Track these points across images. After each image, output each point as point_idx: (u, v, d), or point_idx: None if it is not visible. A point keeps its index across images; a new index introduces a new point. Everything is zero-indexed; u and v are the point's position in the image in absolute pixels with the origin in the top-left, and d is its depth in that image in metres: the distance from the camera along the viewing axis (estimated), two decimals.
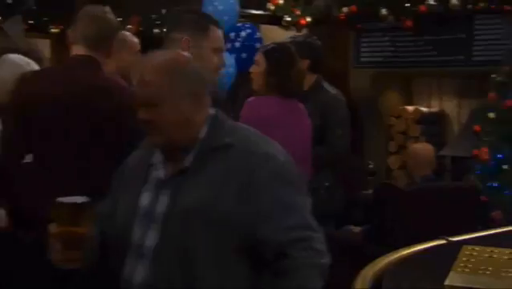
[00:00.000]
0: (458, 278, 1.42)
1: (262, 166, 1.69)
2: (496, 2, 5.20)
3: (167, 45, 2.32)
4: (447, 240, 1.85)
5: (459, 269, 1.45)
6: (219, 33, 2.30)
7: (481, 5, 5.29)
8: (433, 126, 6.08)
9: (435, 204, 3.75)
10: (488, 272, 1.43)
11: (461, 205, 3.82)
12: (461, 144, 5.43)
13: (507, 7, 5.04)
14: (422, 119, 6.02)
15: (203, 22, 2.28)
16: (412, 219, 3.75)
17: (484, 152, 4.46)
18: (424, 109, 6.11)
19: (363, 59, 6.26)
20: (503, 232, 2.00)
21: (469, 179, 4.58)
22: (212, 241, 1.66)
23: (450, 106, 6.15)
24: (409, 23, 5.71)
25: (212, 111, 1.80)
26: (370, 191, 4.75)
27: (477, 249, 1.62)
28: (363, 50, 6.27)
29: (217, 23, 2.32)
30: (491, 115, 4.47)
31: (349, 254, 3.71)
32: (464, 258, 1.53)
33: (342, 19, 6.01)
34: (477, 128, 4.67)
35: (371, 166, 5.56)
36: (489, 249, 1.62)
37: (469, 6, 5.35)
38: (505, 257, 1.56)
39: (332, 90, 3.79)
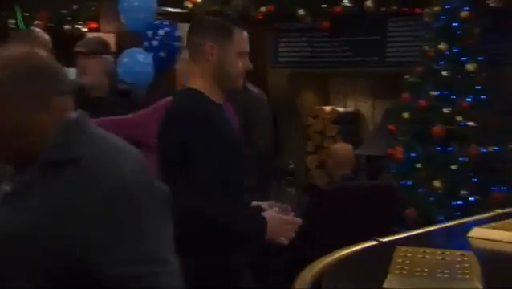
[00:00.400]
0: (396, 281, 1.42)
1: (101, 186, 1.39)
2: (408, 5, 5.36)
3: (189, 49, 2.24)
4: (378, 241, 1.86)
5: (396, 271, 1.45)
6: (244, 35, 2.21)
7: (394, 7, 5.44)
8: (349, 126, 6.20)
9: (355, 203, 3.81)
10: (425, 274, 1.44)
11: (379, 204, 3.90)
12: (376, 143, 5.57)
13: (418, 10, 5.20)
14: (338, 119, 6.12)
15: (227, 26, 2.18)
16: (333, 218, 3.80)
17: (398, 151, 4.58)
18: (340, 109, 6.22)
19: (281, 59, 6.31)
20: (429, 231, 2.03)
21: (385, 178, 4.69)
22: (31, 273, 1.40)
23: (365, 106, 6.29)
24: (326, 24, 5.80)
25: (73, 115, 1.50)
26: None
27: (410, 250, 1.62)
28: (280, 50, 6.32)
29: (240, 25, 2.23)
30: (405, 115, 4.60)
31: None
32: (399, 260, 1.53)
33: (260, 19, 6.03)
34: (391, 127, 4.80)
35: (291, 166, 5.60)
36: (421, 250, 1.62)
37: (383, 9, 5.48)
38: (438, 257, 1.57)
39: (255, 89, 3.77)
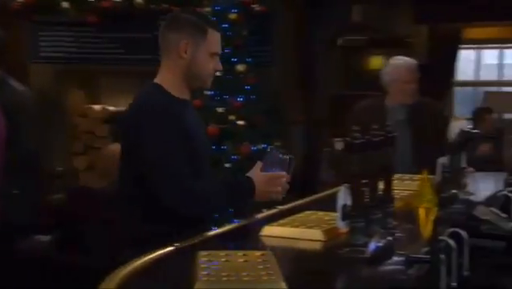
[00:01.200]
0: (206, 288, 1.36)
1: None
2: (179, 4, 5.36)
3: (162, 45, 2.18)
4: (176, 246, 1.79)
5: (204, 278, 1.39)
6: (217, 36, 2.19)
7: (165, 5, 5.40)
8: None
9: None
10: (232, 278, 1.40)
11: None
12: None
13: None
14: (110, 118, 5.92)
15: (203, 25, 2.15)
16: (109, 222, 3.63)
17: None
18: (111, 108, 6.01)
19: (43, 54, 5.90)
20: (223, 232, 2.01)
21: None
22: None
23: None
24: (93, 19, 5.55)
25: None
26: (60, 195, 4.47)
27: (212, 254, 1.58)
28: (43, 44, 5.91)
29: (216, 26, 2.21)
30: None
31: (38, 266, 3.45)
32: (203, 266, 1.48)
33: (17, 9, 5.57)
34: None
35: (60, 168, 5.27)
36: (222, 253, 1.59)
37: (153, 6, 5.42)
38: (240, 259, 1.55)
39: (19, 86, 3.45)
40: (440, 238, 1.90)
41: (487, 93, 7.71)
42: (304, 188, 3.08)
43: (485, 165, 3.45)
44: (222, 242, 1.90)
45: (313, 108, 5.92)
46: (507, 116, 7.52)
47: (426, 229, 2.27)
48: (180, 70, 2.17)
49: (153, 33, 5.46)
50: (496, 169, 3.76)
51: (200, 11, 2.32)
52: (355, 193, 1.69)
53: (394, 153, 1.90)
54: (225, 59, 4.53)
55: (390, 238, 1.48)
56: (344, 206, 1.73)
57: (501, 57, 8.14)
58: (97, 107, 6.00)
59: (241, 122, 4.49)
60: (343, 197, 1.74)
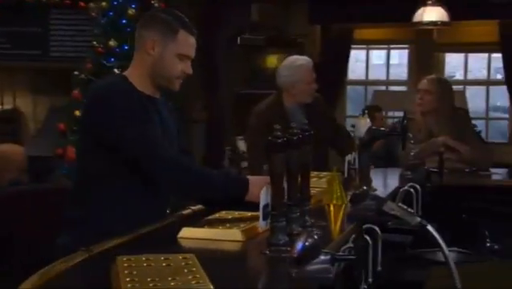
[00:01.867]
0: None
1: None
2: None
3: (136, 41, 2.20)
4: (89, 251, 1.69)
5: (129, 285, 1.32)
6: (189, 40, 2.17)
7: None
8: (8, 125, 5.72)
9: (29, 208, 3.49)
10: (158, 283, 1.34)
11: (57, 207, 3.64)
12: (41, 142, 5.25)
13: (82, 3, 5.05)
14: None
15: (174, 26, 2.15)
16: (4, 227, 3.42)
17: (70, 151, 4.38)
18: None
19: None
20: (138, 236, 1.93)
21: (57, 179, 4.43)
22: None
23: (25, 103, 5.88)
24: None
25: None
26: None
27: (132, 259, 1.51)
28: None
29: (191, 29, 2.19)
30: (77, 112, 4.41)
31: None
32: (126, 272, 1.41)
33: None
34: (61, 126, 4.56)
35: None
36: (143, 257, 1.53)
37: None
38: (163, 264, 1.49)
39: None
40: (355, 235, 1.94)
41: (376, 92, 8.03)
42: None
43: (377, 162, 3.58)
44: (140, 245, 1.82)
45: (214, 107, 5.90)
46: (397, 113, 7.88)
47: (336, 226, 2.32)
48: (147, 67, 2.17)
49: (43, 27, 5.30)
50: (386, 166, 3.92)
51: (179, 13, 2.27)
52: (277, 193, 1.68)
53: (311, 151, 1.91)
54: (124, 56, 4.48)
55: (316, 237, 1.48)
56: (266, 206, 1.71)
57: (387, 57, 8.50)
58: None
59: None
60: (265, 196, 1.72)
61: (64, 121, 4.53)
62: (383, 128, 2.35)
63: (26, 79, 5.84)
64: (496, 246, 3.08)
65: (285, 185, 1.70)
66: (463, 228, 3.17)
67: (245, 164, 4.49)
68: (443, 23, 5.91)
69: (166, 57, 2.14)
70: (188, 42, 2.17)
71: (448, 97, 3.86)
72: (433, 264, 2.54)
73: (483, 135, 7.69)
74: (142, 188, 2.15)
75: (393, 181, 3.32)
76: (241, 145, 4.51)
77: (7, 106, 5.82)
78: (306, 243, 1.44)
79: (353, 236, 1.82)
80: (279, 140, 1.66)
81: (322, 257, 1.45)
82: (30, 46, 5.31)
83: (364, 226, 1.91)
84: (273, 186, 1.69)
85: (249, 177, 2.19)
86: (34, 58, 5.33)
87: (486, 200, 3.31)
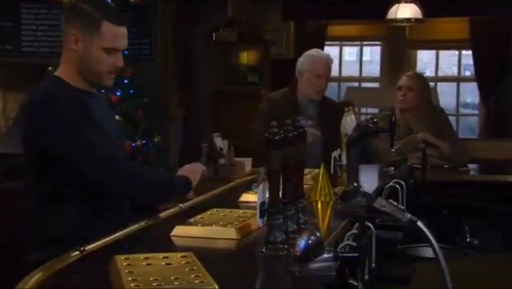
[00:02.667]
0: None
1: None
2: None
3: (62, 35, 2.06)
4: (82, 251, 1.66)
5: (132, 285, 1.30)
6: (115, 30, 2.00)
7: None
8: None
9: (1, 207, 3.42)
10: (162, 283, 1.32)
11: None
12: (11, 140, 5.13)
13: None
14: None
15: (96, 18, 1.98)
16: None
17: None
18: None
19: None
20: (130, 233, 1.90)
21: None
22: None
23: None
24: None
25: None
26: None
27: (130, 258, 1.48)
28: None
29: (116, 18, 2.02)
30: None
31: None
32: (126, 271, 1.38)
33: None
34: None
35: None
36: (141, 256, 1.50)
37: None
38: (163, 263, 1.47)
39: None
40: (351, 232, 1.94)
41: (349, 88, 8.07)
42: None
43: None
44: (132, 244, 1.79)
45: (192, 103, 5.85)
46: (370, 110, 7.93)
47: (324, 224, 2.31)
48: (74, 63, 2.04)
49: (15, 21, 5.17)
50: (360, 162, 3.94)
51: (104, 1, 2.16)
52: (274, 190, 1.67)
53: (305, 148, 1.90)
54: None
55: (318, 235, 1.47)
56: (263, 203, 1.70)
57: (360, 54, 8.55)
58: None
59: (118, 118, 4.32)
60: (262, 194, 1.71)
61: None
62: (371, 125, 2.35)
63: None
64: (476, 242, 3.12)
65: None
66: (444, 223, 3.20)
67: (222, 161, 4.46)
68: (416, 20, 5.96)
69: (91, 52, 1.99)
70: (114, 34, 2.01)
71: (427, 94, 3.90)
72: (418, 260, 2.57)
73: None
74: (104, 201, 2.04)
75: (373, 178, 3.34)
76: (219, 142, 4.48)
77: None
78: (309, 241, 1.43)
79: (350, 233, 1.81)
80: (276, 137, 1.65)
81: (325, 255, 1.45)
82: (1, 41, 5.18)
83: (364, 223, 1.90)
84: (270, 183, 1.67)
85: (180, 170, 2.16)
86: (6, 53, 5.20)
87: (466, 196, 3.35)
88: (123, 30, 2.05)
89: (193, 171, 2.17)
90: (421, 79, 3.95)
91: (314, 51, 3.71)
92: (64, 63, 2.07)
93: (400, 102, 3.75)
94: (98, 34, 1.99)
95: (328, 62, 3.67)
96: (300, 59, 3.69)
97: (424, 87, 3.84)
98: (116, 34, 2.03)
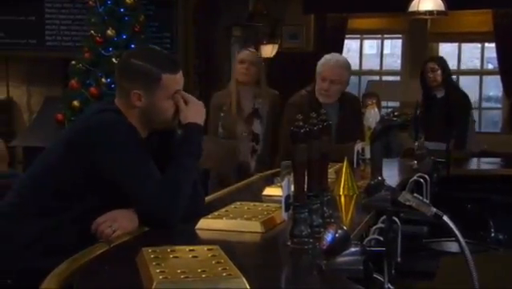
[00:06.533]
0: (166, 288, 1.28)
1: None
2: None
3: (118, 91, 2.05)
4: (109, 243, 1.67)
5: (161, 277, 1.30)
6: (175, 78, 2.02)
7: None
8: (1, 114, 5.66)
9: None
10: (190, 275, 1.32)
11: None
12: (35, 133, 5.19)
13: None
14: None
15: (155, 73, 1.98)
16: None
17: None
18: None
19: None
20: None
21: None
22: None
23: (19, 93, 5.80)
24: None
25: None
26: None
27: (157, 251, 1.49)
28: None
29: (173, 67, 2.02)
30: (75, 102, 4.37)
31: None
32: (154, 263, 1.39)
33: None
34: (59, 116, 4.51)
35: None
36: (168, 249, 1.51)
37: None
38: (189, 255, 1.47)
39: None
40: (377, 226, 1.93)
41: (370, 82, 8.03)
42: None
43: None
44: (158, 237, 1.80)
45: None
46: (390, 103, 7.89)
47: (348, 217, 2.31)
48: (136, 116, 2.03)
49: (39, 16, 5.22)
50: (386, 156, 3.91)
51: (155, 50, 2.14)
52: (299, 184, 1.66)
53: (330, 142, 1.89)
54: (123, 45, 4.43)
55: (345, 229, 1.46)
56: (288, 197, 1.69)
57: (381, 47, 8.50)
58: None
59: None
60: (287, 187, 1.70)
61: (61, 111, 4.48)
62: (395, 118, 2.33)
63: (20, 69, 5.76)
64: (500, 236, 3.09)
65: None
66: (468, 218, 3.18)
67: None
68: (439, 13, 5.89)
69: (156, 105, 2.00)
70: (174, 82, 2.02)
71: None
72: (442, 254, 2.55)
73: (476, 125, 7.73)
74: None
75: (395, 172, 3.32)
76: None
77: (1, 96, 5.74)
78: (337, 235, 1.43)
79: (376, 227, 1.80)
80: (302, 130, 1.64)
81: (352, 249, 1.44)
82: (25, 35, 5.23)
83: (391, 218, 1.89)
84: (295, 177, 1.67)
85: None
86: (30, 47, 5.25)
87: (490, 190, 3.32)
88: (180, 73, 2.06)
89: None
90: None
91: (329, 54, 3.66)
92: (126, 114, 2.02)
93: None
94: (160, 87, 2.00)
95: (334, 65, 3.54)
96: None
97: None
98: (176, 81, 2.04)
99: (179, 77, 2.05)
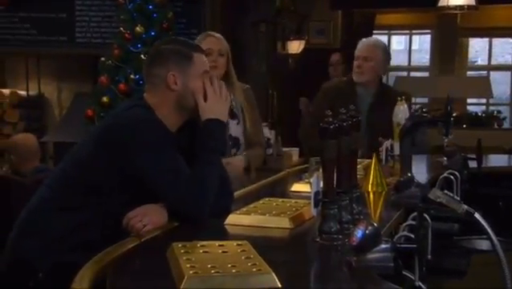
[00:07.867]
0: (198, 282, 1.28)
1: None
2: None
3: (150, 80, 2.09)
4: (140, 238, 1.69)
5: (191, 272, 1.31)
6: (203, 58, 2.13)
7: None
8: (33, 110, 5.74)
9: None
10: (220, 270, 1.33)
11: None
12: (65, 129, 5.25)
13: None
14: (20, 103, 5.61)
15: (187, 51, 2.09)
16: None
17: None
18: (21, 92, 5.69)
19: None
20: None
21: None
22: None
23: (50, 89, 5.88)
24: None
25: None
26: None
27: (187, 246, 1.50)
28: None
29: (199, 48, 2.15)
30: (105, 99, 4.41)
31: None
32: (184, 258, 1.40)
33: None
34: (89, 112, 4.56)
35: None
36: (198, 244, 1.52)
37: None
38: (219, 250, 1.48)
39: None
40: (407, 223, 1.91)
41: (398, 78, 7.97)
42: None
43: None
44: (187, 232, 1.81)
45: None
46: (418, 100, 7.81)
47: (377, 214, 2.29)
48: (172, 102, 2.06)
49: (69, 13, 5.28)
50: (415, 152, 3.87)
51: (181, 38, 2.21)
52: (329, 180, 1.66)
53: (359, 137, 1.88)
54: (151, 42, 4.46)
55: (375, 225, 1.46)
56: (317, 193, 1.69)
57: (409, 43, 8.42)
58: (6, 91, 5.66)
59: None
60: (316, 183, 1.70)
61: (91, 107, 4.52)
62: (425, 114, 2.31)
63: (51, 66, 5.84)
64: None
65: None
66: (499, 215, 3.13)
67: (269, 151, 4.44)
68: (469, 7, 5.80)
69: (189, 86, 2.05)
70: (203, 60, 2.13)
71: None
72: (473, 252, 2.52)
73: (507, 121, 7.60)
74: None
75: (424, 169, 3.29)
76: (266, 132, 4.46)
77: (32, 92, 5.82)
78: (367, 231, 1.42)
79: (406, 224, 1.78)
80: (331, 126, 1.64)
81: (382, 245, 1.43)
82: (56, 32, 5.30)
83: (412, 215, 1.87)
84: (325, 173, 1.66)
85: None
86: (60, 44, 5.32)
87: None
88: (204, 55, 2.16)
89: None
90: None
91: (368, 38, 3.71)
92: (159, 106, 2.05)
93: None
94: (192, 65, 2.07)
95: (367, 43, 3.60)
96: None
97: None
98: (203, 60, 2.13)
99: (205, 58, 2.15)
